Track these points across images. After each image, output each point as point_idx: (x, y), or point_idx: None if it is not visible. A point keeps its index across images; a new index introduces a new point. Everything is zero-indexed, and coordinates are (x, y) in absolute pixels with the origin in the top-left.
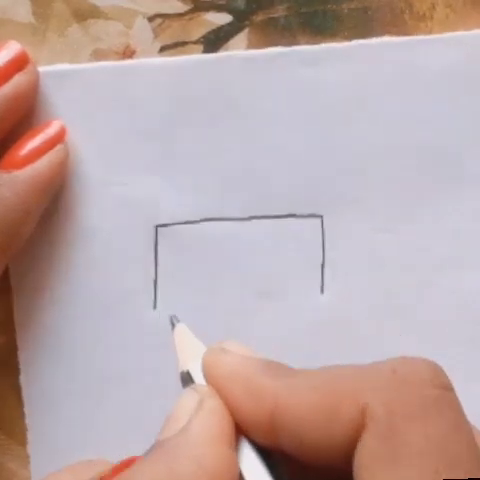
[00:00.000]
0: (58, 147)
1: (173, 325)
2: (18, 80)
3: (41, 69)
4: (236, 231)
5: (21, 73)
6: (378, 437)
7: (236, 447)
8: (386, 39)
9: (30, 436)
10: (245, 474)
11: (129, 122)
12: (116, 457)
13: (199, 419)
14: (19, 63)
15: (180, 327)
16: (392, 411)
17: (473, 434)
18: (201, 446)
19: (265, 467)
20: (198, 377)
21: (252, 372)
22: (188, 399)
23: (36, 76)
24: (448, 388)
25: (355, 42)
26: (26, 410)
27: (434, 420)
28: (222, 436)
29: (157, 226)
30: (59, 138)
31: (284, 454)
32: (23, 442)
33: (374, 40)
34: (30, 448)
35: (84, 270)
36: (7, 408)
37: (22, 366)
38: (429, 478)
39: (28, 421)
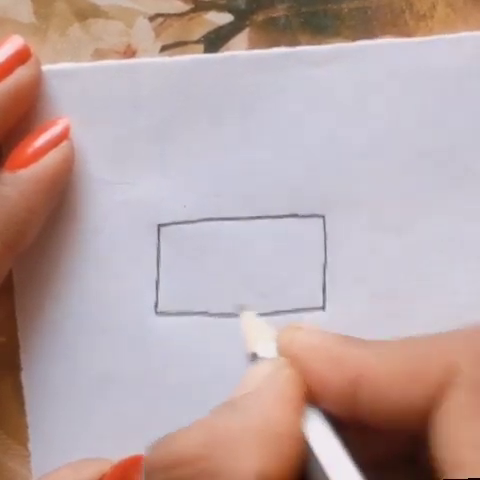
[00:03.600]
0: (62, 144)
1: (239, 313)
2: (20, 73)
3: (42, 68)
4: (238, 231)
5: (23, 66)
6: (466, 391)
7: (305, 415)
8: (388, 40)
9: (31, 435)
10: (312, 442)
11: (130, 121)
12: (117, 456)
13: (272, 383)
14: (21, 57)
15: (248, 315)
16: None
17: None
18: (270, 406)
19: (334, 435)
20: (267, 355)
21: (332, 343)
22: (262, 368)
23: (38, 70)
24: None
25: (357, 43)
26: (27, 409)
27: None
28: (292, 400)
29: (159, 225)
30: (63, 135)
31: (355, 423)
32: (24, 441)
33: (376, 41)
34: (31, 447)
35: (86, 269)
36: (8, 407)
37: (23, 365)
38: None
39: (29, 420)
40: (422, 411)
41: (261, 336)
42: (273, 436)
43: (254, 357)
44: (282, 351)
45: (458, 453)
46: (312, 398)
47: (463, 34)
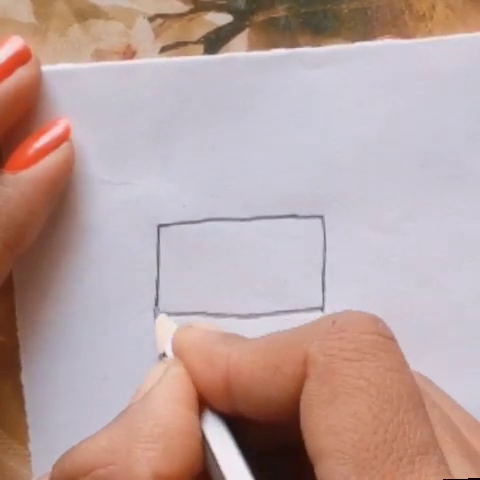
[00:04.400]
0: (63, 145)
1: (155, 316)
2: (20, 74)
3: (42, 68)
4: (237, 231)
5: (23, 67)
6: (317, 380)
7: (200, 415)
8: (387, 41)
9: (31, 435)
10: (209, 439)
11: (130, 122)
12: None
13: (161, 384)
14: (21, 57)
15: (161, 317)
16: (330, 356)
17: (414, 378)
18: (159, 406)
19: (228, 432)
20: (171, 355)
21: (209, 342)
22: (156, 370)
23: (38, 70)
24: (387, 336)
25: (357, 44)
26: (27, 409)
27: (370, 362)
28: (181, 398)
29: (159, 226)
30: (64, 137)
31: (244, 420)
32: (24, 441)
33: (375, 42)
34: (31, 447)
35: (86, 269)
36: (8, 407)
37: (23, 364)
38: (363, 415)
39: (29, 420)
40: (289, 403)
41: (170, 336)
42: (165, 436)
43: (162, 357)
44: (174, 350)
45: (319, 441)
46: (202, 398)
47: (462, 35)
